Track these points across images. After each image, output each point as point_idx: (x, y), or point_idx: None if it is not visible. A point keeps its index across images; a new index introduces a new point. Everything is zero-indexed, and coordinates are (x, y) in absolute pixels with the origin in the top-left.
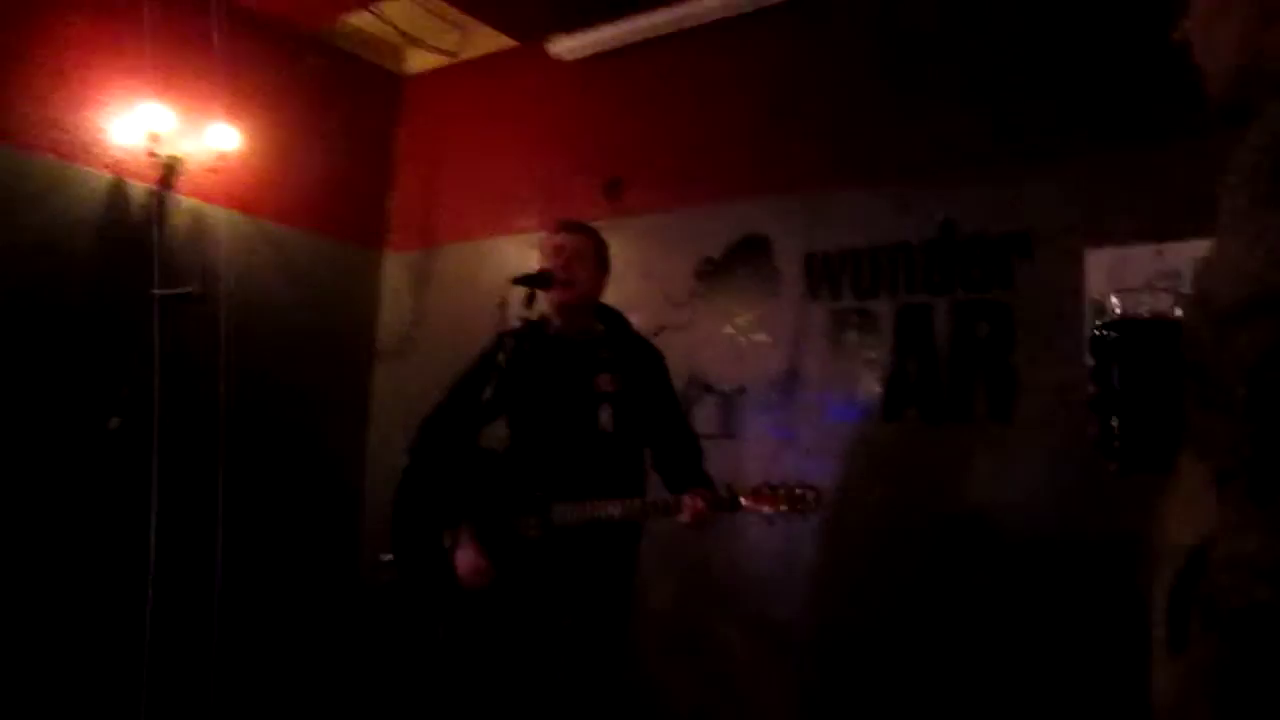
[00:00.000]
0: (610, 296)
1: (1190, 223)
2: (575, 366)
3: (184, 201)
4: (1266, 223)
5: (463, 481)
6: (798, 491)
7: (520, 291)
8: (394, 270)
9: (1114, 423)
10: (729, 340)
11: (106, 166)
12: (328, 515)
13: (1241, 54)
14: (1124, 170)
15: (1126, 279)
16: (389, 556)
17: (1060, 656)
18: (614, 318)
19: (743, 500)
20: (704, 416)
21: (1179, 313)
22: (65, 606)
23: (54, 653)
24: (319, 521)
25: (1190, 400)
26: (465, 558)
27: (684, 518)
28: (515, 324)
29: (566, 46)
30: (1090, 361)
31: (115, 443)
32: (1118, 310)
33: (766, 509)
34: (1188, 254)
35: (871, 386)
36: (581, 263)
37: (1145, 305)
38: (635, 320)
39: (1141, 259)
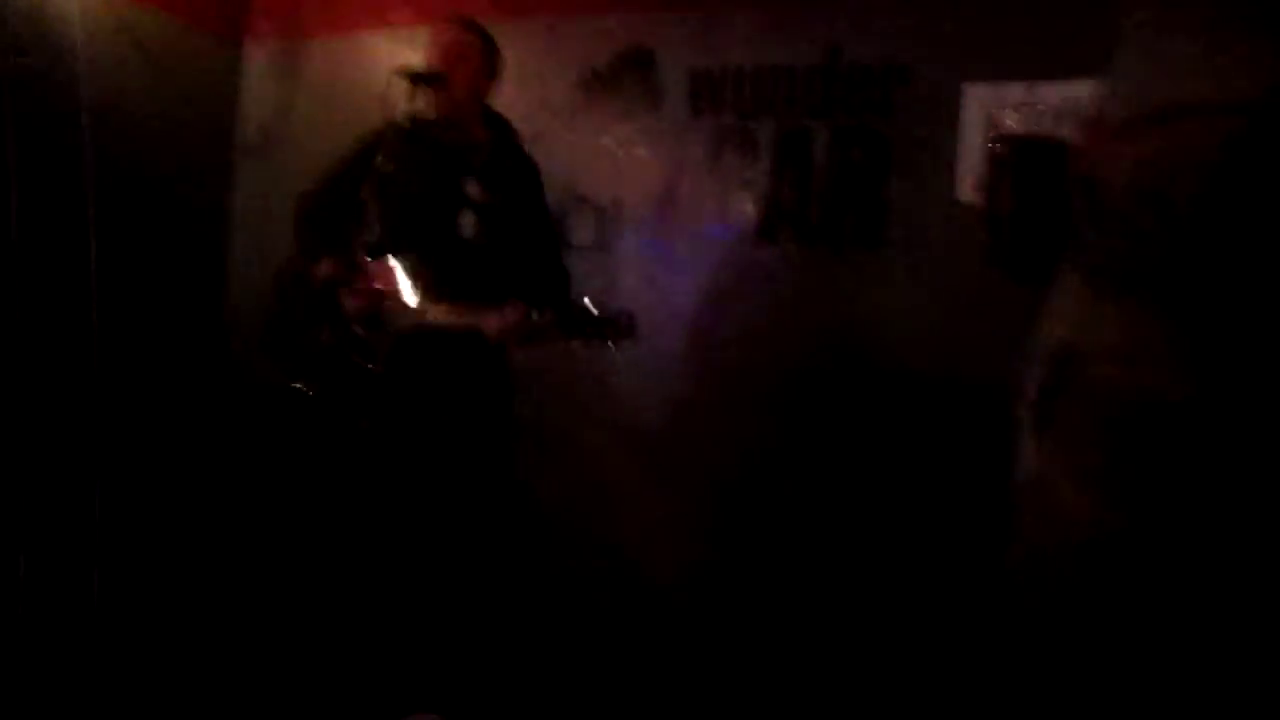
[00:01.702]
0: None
1: (1063, 65)
2: (446, 170)
3: None
4: (1157, 49)
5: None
6: (608, 316)
7: (404, 86)
8: (258, 62)
9: (1005, 234)
10: (608, 153)
11: None
12: (190, 313)
13: None
14: (1002, 6)
15: (999, 114)
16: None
17: (931, 472)
18: (501, 125)
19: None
20: (579, 228)
21: (1063, 134)
22: None
23: None
24: (182, 319)
25: (1075, 213)
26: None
27: (490, 332)
28: (401, 120)
29: None
30: (982, 174)
31: None
32: (1011, 127)
33: (574, 336)
34: (1056, 92)
35: (747, 207)
36: (464, 63)
37: (1033, 125)
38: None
39: (1014, 94)
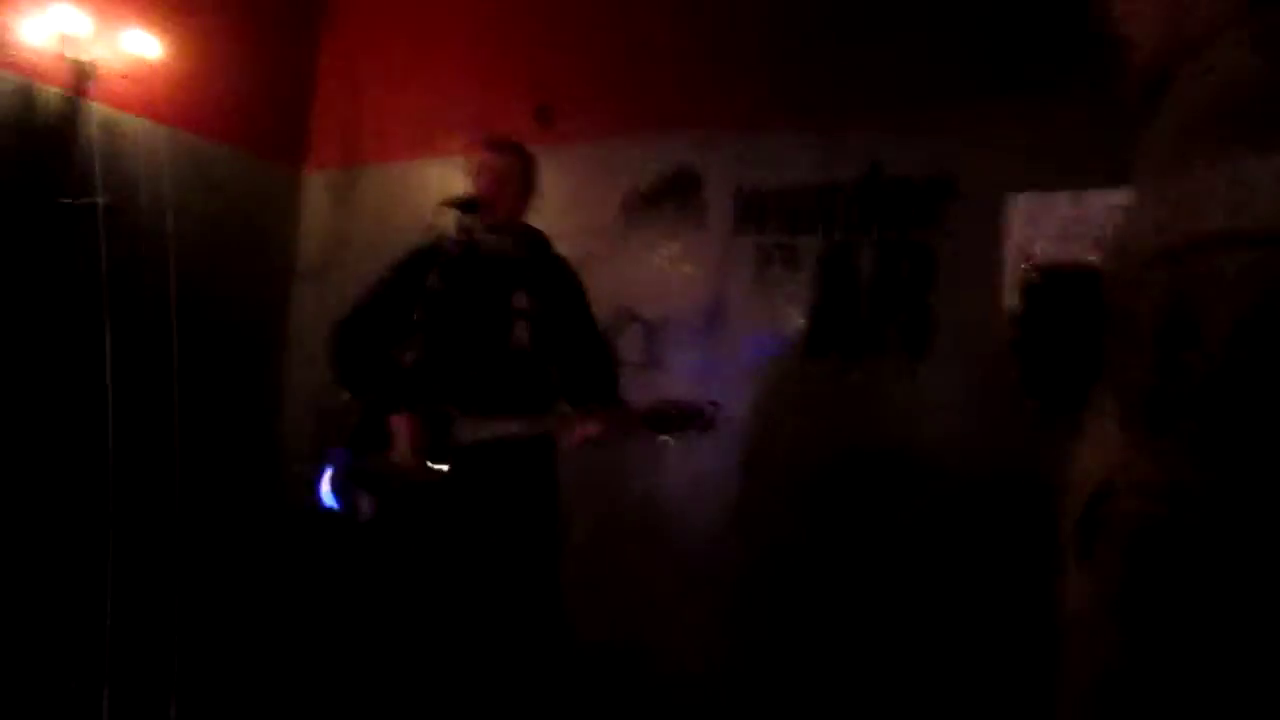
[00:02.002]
0: (538, 224)
1: (1106, 172)
2: (493, 284)
3: (99, 109)
4: (1176, 180)
5: (378, 397)
6: (695, 408)
7: (449, 214)
8: (315, 189)
9: (1038, 363)
10: (655, 271)
11: (16, 69)
12: (244, 435)
13: (1160, 27)
14: (1046, 119)
15: (1045, 225)
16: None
17: (972, 586)
18: (536, 239)
19: (638, 416)
20: (628, 346)
21: (1096, 260)
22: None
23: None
24: (235, 440)
25: (1108, 341)
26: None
27: (574, 437)
28: (445, 244)
29: None
30: (1015, 304)
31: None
32: (1041, 257)
33: (662, 431)
34: (1101, 202)
35: (794, 321)
36: (507, 183)
37: (1066, 253)
38: (563, 249)
39: (1059, 205)
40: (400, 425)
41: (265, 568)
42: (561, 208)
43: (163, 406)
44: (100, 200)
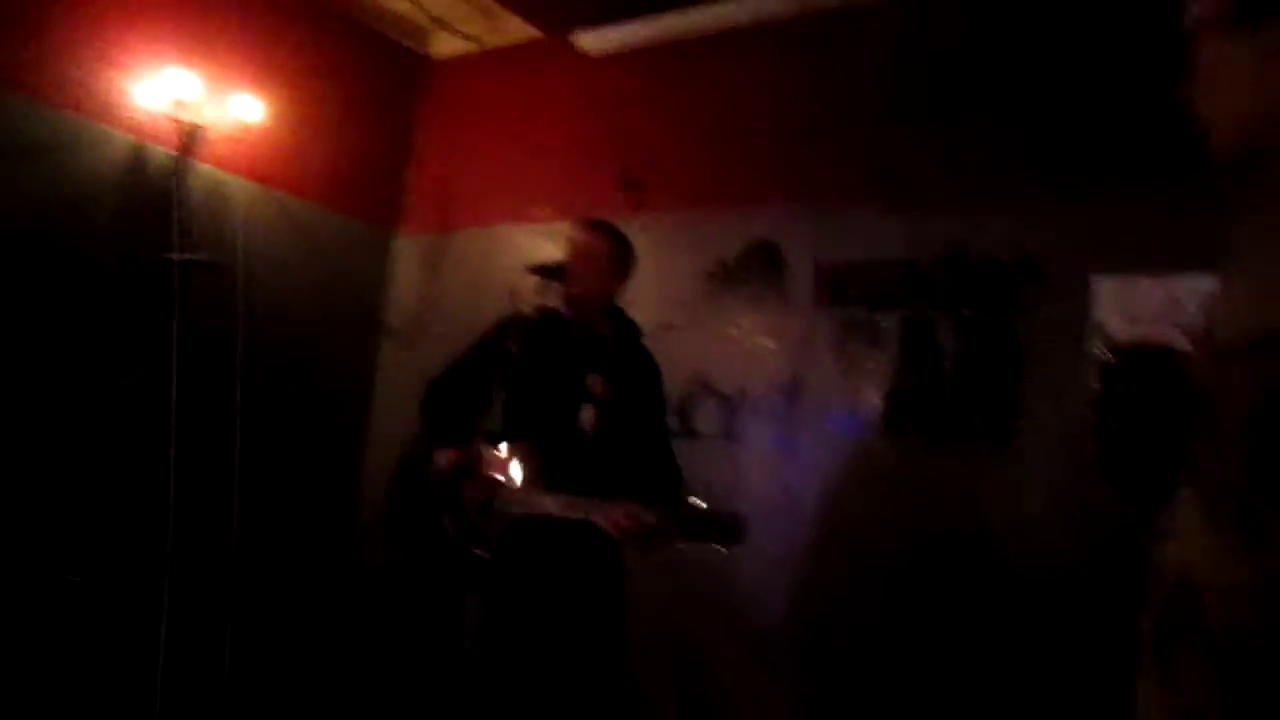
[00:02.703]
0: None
1: (1195, 257)
2: (571, 363)
3: (204, 169)
4: (1267, 269)
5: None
6: (728, 519)
7: (534, 280)
8: (407, 252)
9: (1115, 447)
10: (734, 343)
11: (129, 129)
12: (329, 493)
13: (1243, 105)
14: (1134, 203)
15: (1132, 309)
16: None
17: (1052, 680)
18: (625, 324)
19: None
20: (704, 417)
21: (1183, 344)
22: (80, 575)
23: (66, 617)
24: (320, 498)
25: (1193, 430)
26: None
27: (600, 520)
28: (529, 311)
29: (593, 41)
30: (1097, 387)
31: (130, 405)
32: (1119, 337)
33: (690, 536)
34: (1187, 287)
35: (873, 399)
36: (595, 261)
37: (1152, 335)
38: (642, 317)
39: (1146, 291)
40: (514, 454)
41: (341, 623)
42: (644, 277)
43: (238, 460)
44: (212, 258)
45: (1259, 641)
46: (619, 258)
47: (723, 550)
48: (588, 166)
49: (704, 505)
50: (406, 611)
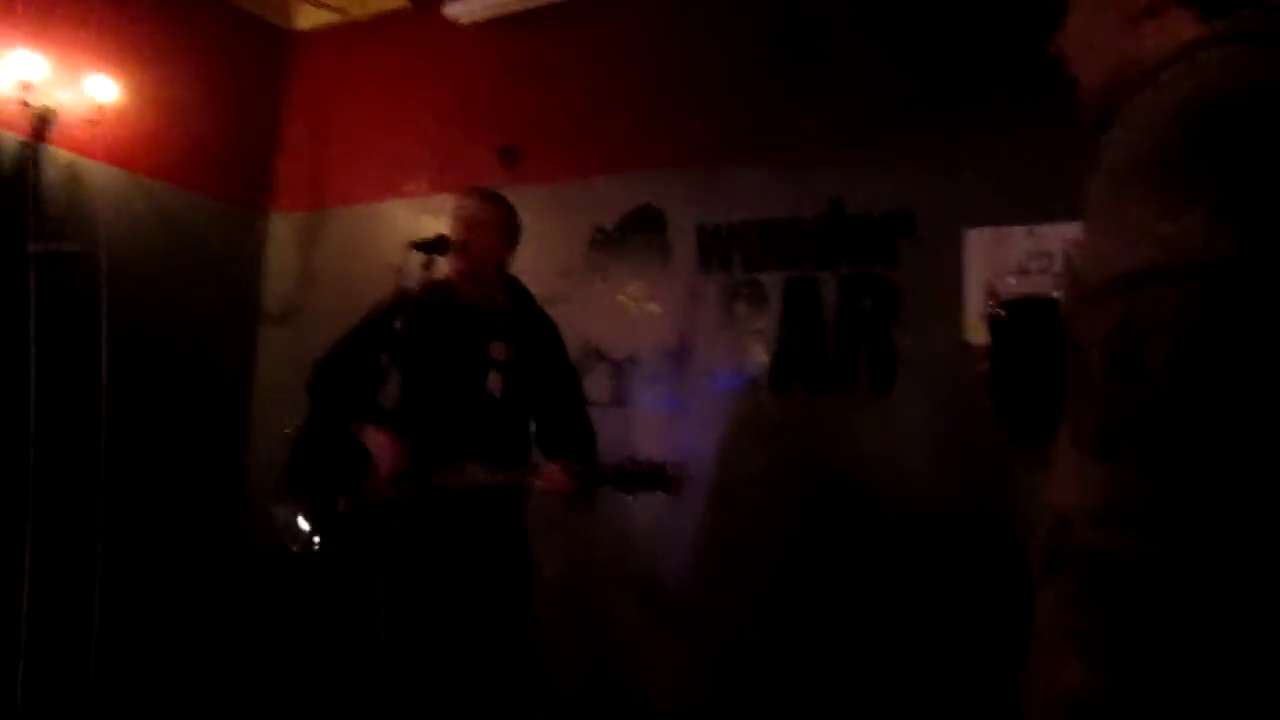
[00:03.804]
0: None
1: (1060, 205)
2: (470, 332)
3: (59, 154)
4: (1120, 216)
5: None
6: (661, 469)
7: (418, 256)
8: (280, 232)
9: (1007, 396)
10: (621, 310)
11: None
12: (211, 479)
13: (1108, 65)
14: (1001, 153)
15: (1002, 258)
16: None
17: (939, 619)
18: (519, 291)
19: (606, 473)
20: (595, 385)
21: (1056, 294)
22: None
23: None
24: (202, 485)
25: (1067, 372)
26: (379, 444)
27: (541, 484)
28: (415, 288)
29: (463, 9)
30: (982, 339)
31: None
32: (1004, 291)
33: (627, 491)
34: (1056, 235)
35: (759, 358)
36: (483, 231)
37: (1025, 286)
38: (530, 289)
39: (1015, 239)
40: (381, 442)
41: (230, 607)
42: (527, 248)
43: (103, 455)
44: (73, 248)
45: (1120, 562)
46: (507, 225)
47: (661, 497)
48: (463, 138)
49: (638, 461)
50: (303, 596)
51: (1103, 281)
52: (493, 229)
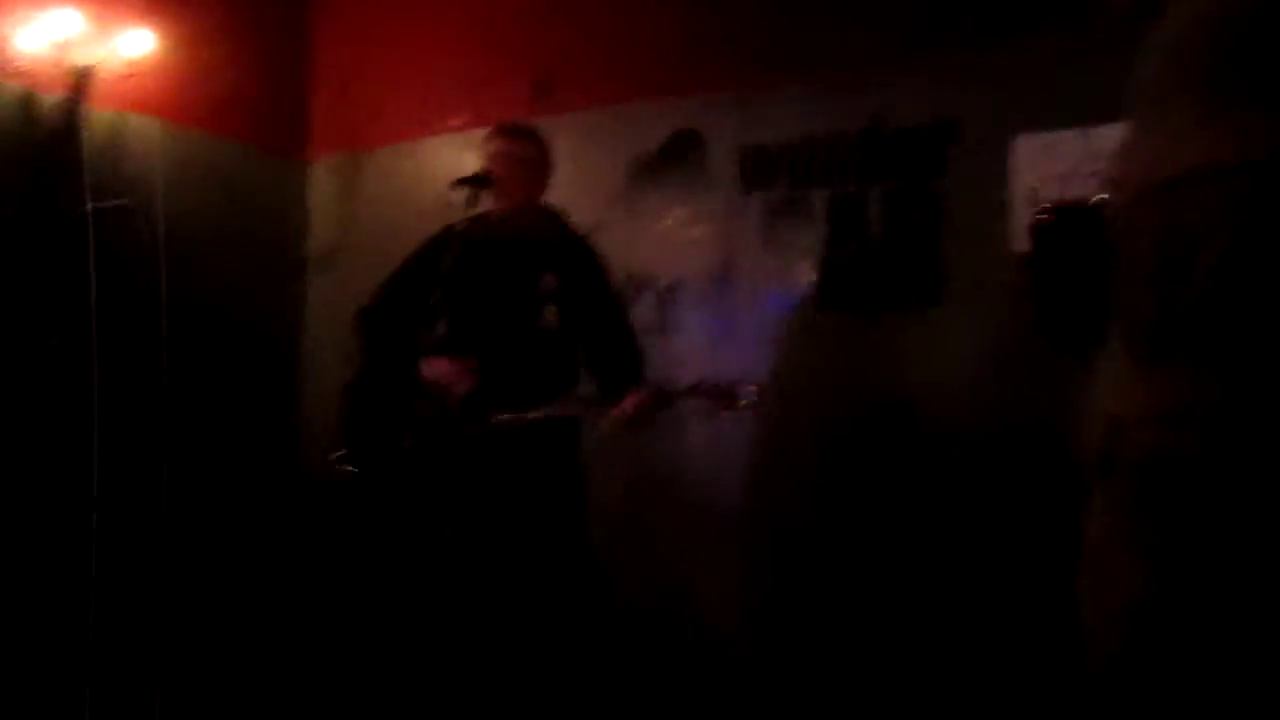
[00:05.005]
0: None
1: (1112, 107)
2: (519, 267)
3: (100, 112)
4: (1170, 112)
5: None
6: (736, 388)
7: (460, 192)
8: (322, 176)
9: (1050, 304)
10: (663, 236)
11: (13, 77)
12: (268, 420)
13: None
14: (1048, 57)
15: (1053, 165)
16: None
17: (998, 536)
18: (554, 220)
19: (677, 394)
20: (640, 313)
21: (1103, 197)
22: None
23: None
24: (260, 427)
25: (1115, 276)
26: (443, 370)
27: (627, 412)
28: (461, 225)
29: None
30: (1026, 246)
31: (54, 362)
32: (1049, 198)
33: (707, 403)
34: (1111, 137)
35: (805, 277)
36: (523, 167)
37: (1074, 192)
38: (571, 219)
39: (1067, 143)
40: (445, 369)
41: (286, 555)
42: (566, 177)
43: (167, 401)
44: (113, 202)
45: (1173, 463)
46: (541, 160)
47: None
48: (497, 71)
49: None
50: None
51: (1149, 184)
52: (527, 164)
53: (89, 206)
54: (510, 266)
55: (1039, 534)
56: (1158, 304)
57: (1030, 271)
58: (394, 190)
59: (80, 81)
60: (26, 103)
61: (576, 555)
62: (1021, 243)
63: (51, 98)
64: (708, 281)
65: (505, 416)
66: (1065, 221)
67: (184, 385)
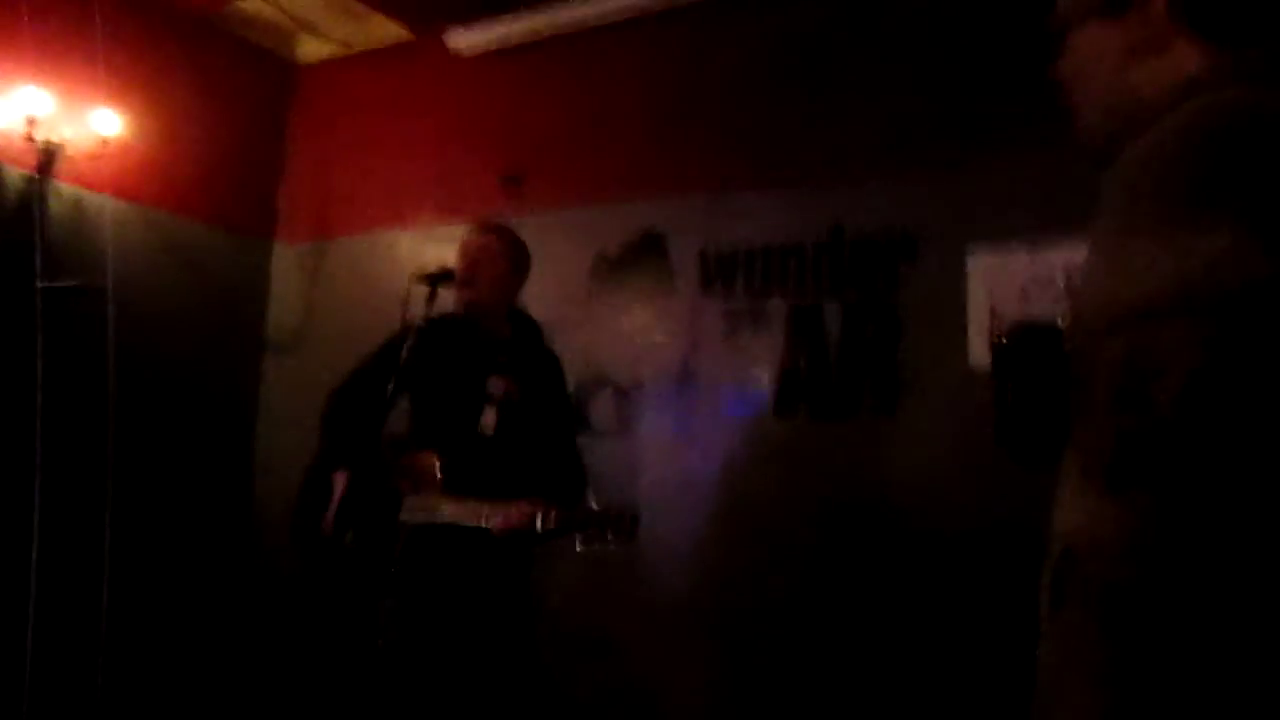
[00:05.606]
0: None
1: (1061, 227)
2: (471, 366)
3: (65, 188)
4: (1122, 252)
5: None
6: (618, 518)
7: (422, 288)
8: (286, 262)
9: (1011, 420)
10: (625, 337)
11: None
12: (218, 508)
13: (1108, 101)
14: (1001, 177)
15: (1005, 280)
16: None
17: (943, 635)
18: (526, 325)
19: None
20: (600, 413)
21: (1060, 318)
22: None
23: None
24: (210, 515)
25: (1071, 403)
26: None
27: (497, 524)
28: (420, 320)
29: (465, 40)
30: (986, 363)
31: None
32: (1008, 316)
33: (580, 542)
34: (1059, 258)
35: (764, 382)
36: (489, 264)
37: (1028, 309)
38: (534, 315)
39: (1017, 262)
40: (424, 463)
41: (241, 633)
42: (531, 275)
43: (111, 485)
44: (80, 282)
45: (1129, 595)
46: (516, 258)
47: (613, 547)
48: (467, 167)
49: (594, 506)
50: (316, 618)
51: (1106, 316)
52: (499, 261)
53: (41, 283)
54: (463, 364)
55: (993, 635)
56: (1113, 434)
57: (992, 388)
58: (357, 278)
59: (47, 158)
60: None
61: (516, 667)
62: (980, 356)
63: (17, 172)
64: (668, 382)
65: (408, 513)
66: (1023, 342)
67: (134, 461)
